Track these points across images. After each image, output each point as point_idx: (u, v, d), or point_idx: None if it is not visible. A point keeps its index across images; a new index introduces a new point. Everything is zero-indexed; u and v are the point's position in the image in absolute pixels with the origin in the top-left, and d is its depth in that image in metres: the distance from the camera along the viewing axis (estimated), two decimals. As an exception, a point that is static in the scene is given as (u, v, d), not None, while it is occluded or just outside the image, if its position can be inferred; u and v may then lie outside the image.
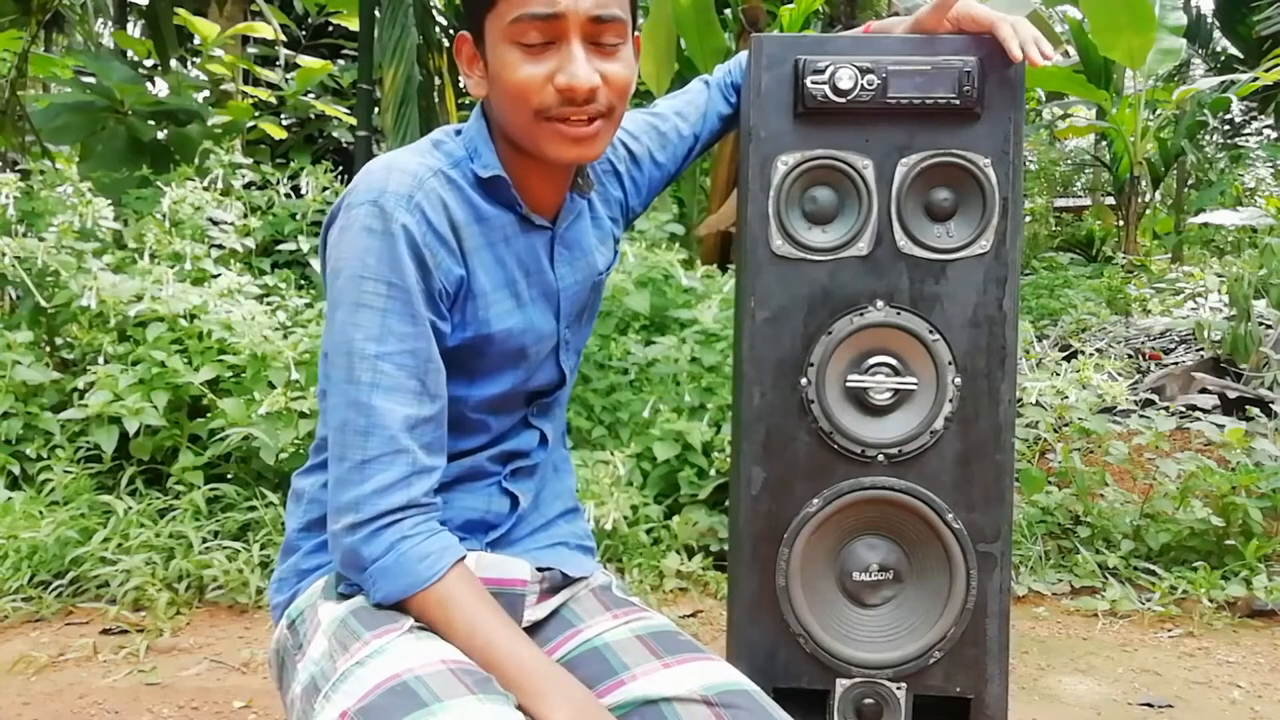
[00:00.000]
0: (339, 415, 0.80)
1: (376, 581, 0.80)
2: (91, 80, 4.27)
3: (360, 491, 0.79)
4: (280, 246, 3.53)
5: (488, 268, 0.86)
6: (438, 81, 4.82)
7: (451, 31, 5.44)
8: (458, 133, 0.90)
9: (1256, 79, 6.27)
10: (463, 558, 0.81)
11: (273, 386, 2.50)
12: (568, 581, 0.94)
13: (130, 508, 2.35)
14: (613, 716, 0.77)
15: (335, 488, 0.81)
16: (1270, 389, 3.63)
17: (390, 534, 0.79)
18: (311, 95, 5.32)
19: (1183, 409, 3.14)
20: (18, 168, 4.05)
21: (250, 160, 3.79)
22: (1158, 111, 7.59)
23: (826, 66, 0.96)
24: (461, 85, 5.82)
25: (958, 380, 0.99)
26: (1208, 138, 9.89)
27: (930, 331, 0.98)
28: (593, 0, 0.79)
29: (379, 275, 0.79)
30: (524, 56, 0.80)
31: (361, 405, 0.79)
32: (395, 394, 0.79)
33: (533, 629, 0.91)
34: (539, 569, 0.91)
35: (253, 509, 2.43)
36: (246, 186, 3.59)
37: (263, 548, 2.30)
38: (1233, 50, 8.96)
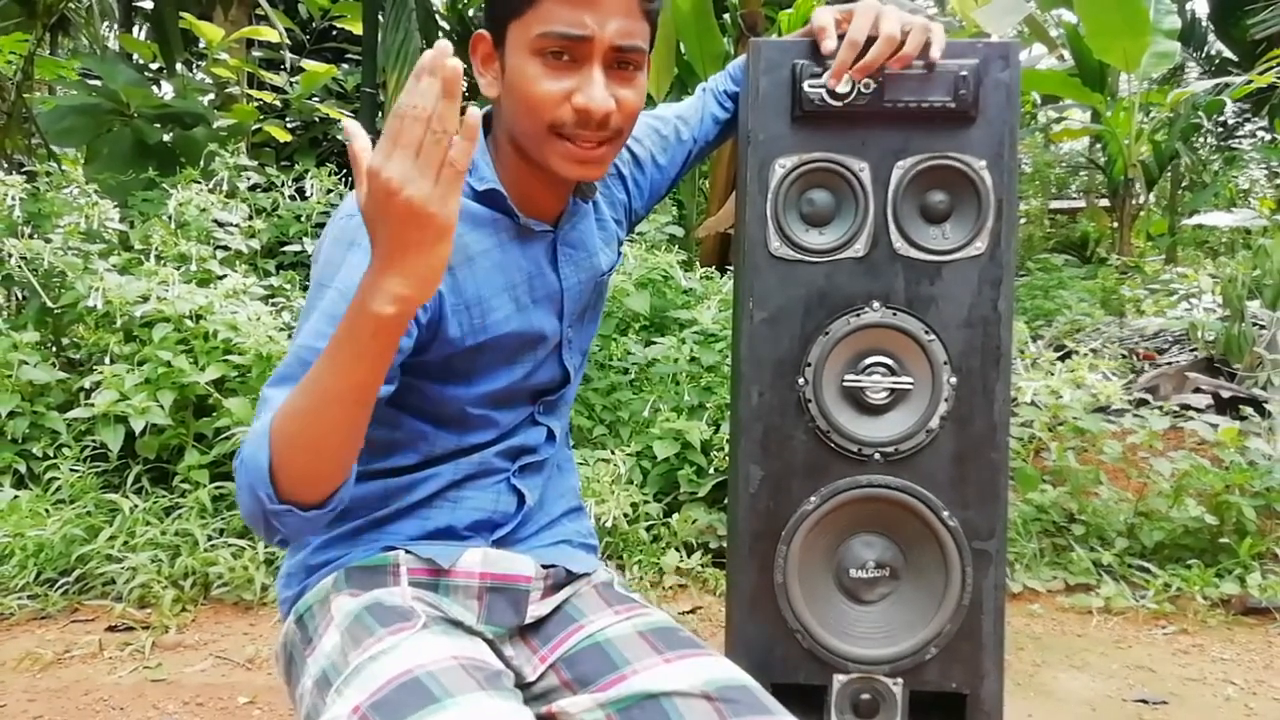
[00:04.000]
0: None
1: (253, 483, 0.71)
2: (97, 83, 4.29)
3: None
4: (285, 248, 3.55)
5: (486, 275, 0.87)
6: (439, 85, 4.83)
7: (454, 36, 5.46)
8: None
9: (1250, 81, 6.29)
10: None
11: (277, 386, 2.52)
12: (571, 578, 0.95)
13: (136, 506, 2.37)
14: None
15: None
16: (1264, 389, 3.65)
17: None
18: (316, 99, 5.33)
19: (1177, 408, 3.16)
20: (24, 170, 4.06)
21: (255, 163, 3.80)
22: (1152, 114, 7.60)
23: (824, 71, 0.97)
24: (464, 88, 5.82)
25: (953, 380, 1.00)
26: (1202, 140, 9.90)
27: (926, 332, 1.00)
28: (618, 29, 0.79)
29: (349, 287, 0.76)
30: (545, 70, 0.80)
31: (263, 396, 0.76)
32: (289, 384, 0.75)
33: (536, 625, 0.92)
34: (543, 566, 0.93)
35: (257, 507, 2.44)
36: (251, 189, 3.61)
37: (267, 545, 2.32)
38: (1227, 53, 8.97)
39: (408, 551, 0.89)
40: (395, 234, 0.64)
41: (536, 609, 0.92)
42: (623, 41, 0.80)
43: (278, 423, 0.71)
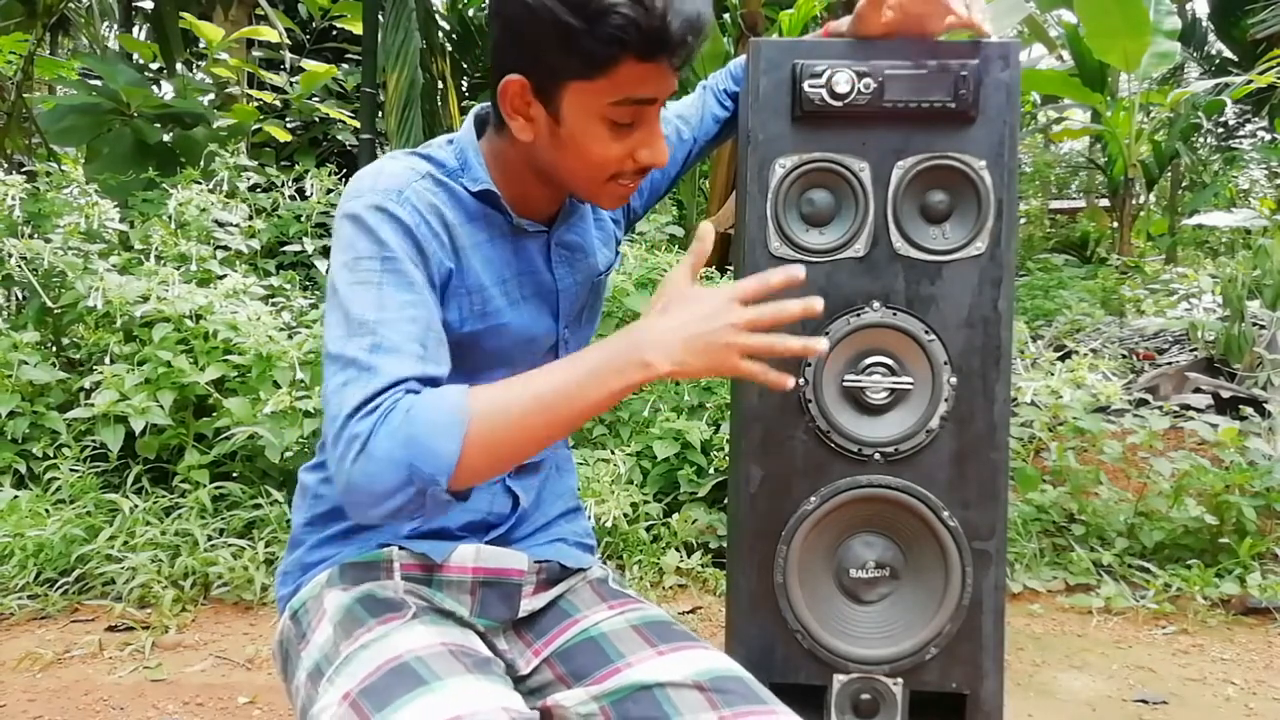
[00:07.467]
0: (333, 381, 0.73)
1: (420, 452, 0.69)
2: (97, 83, 4.30)
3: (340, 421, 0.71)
4: (285, 248, 3.55)
5: (479, 266, 0.87)
6: (440, 85, 4.85)
7: (454, 36, 5.46)
8: (449, 142, 0.91)
9: (1250, 81, 6.30)
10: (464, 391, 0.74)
11: (278, 386, 2.52)
12: (565, 574, 0.96)
13: (136, 506, 2.37)
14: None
15: (324, 448, 0.75)
16: (1264, 389, 3.65)
17: (391, 406, 0.71)
18: (316, 99, 5.33)
19: (1176, 408, 3.16)
20: (24, 169, 4.06)
21: (255, 163, 3.81)
22: (1152, 114, 7.61)
23: (824, 70, 0.97)
24: (464, 88, 5.85)
25: (953, 380, 1.00)
26: (1202, 140, 9.92)
27: (926, 332, 1.00)
28: (672, 83, 0.82)
29: (372, 254, 0.77)
30: (613, 135, 0.81)
31: (359, 363, 0.73)
32: (396, 354, 0.73)
33: (530, 619, 0.93)
34: (536, 560, 0.93)
35: (257, 507, 2.45)
36: (251, 189, 3.62)
37: (267, 545, 2.32)
38: (1227, 53, 8.98)
39: (401, 548, 0.89)
40: (717, 356, 0.75)
41: (529, 603, 0.92)
42: (671, 93, 0.83)
43: (485, 424, 0.71)
